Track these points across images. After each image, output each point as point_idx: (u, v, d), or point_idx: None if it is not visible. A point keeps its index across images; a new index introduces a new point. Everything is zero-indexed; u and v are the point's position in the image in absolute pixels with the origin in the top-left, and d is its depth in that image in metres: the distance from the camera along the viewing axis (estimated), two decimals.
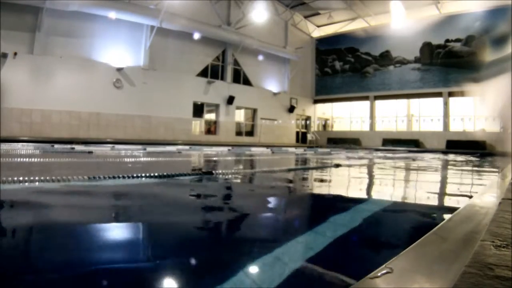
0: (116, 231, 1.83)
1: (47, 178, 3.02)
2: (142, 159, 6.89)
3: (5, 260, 1.33)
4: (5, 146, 8.18)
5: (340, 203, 3.03)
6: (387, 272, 0.92)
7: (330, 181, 4.53)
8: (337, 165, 6.25)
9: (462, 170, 7.03)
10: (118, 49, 15.27)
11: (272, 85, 22.60)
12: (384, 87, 22.45)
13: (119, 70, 15.08)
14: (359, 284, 0.89)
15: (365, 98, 23.30)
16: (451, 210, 1.95)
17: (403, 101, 22.04)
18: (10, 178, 2.84)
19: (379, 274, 0.91)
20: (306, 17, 24.63)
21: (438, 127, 20.33)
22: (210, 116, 19.75)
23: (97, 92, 14.41)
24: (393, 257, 1.04)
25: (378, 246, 1.79)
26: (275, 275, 1.25)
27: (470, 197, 2.78)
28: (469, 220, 1.63)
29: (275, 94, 22.45)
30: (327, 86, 25.37)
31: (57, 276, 1.21)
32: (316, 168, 5.84)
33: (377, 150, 17.22)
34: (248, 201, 2.99)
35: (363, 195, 3.64)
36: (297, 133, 24.57)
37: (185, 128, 17.61)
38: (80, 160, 6.13)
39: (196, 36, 17.36)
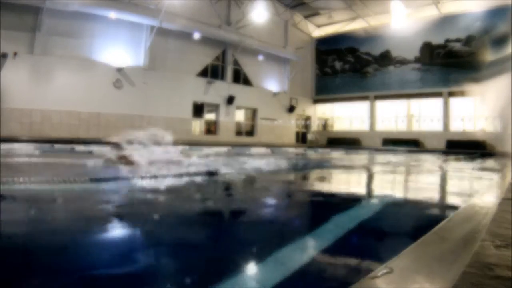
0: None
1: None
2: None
3: None
4: (6, 146, 8.16)
5: (341, 203, 3.03)
6: (387, 272, 0.92)
7: (331, 181, 4.53)
8: (339, 166, 6.25)
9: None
10: (118, 49, 15.26)
11: (272, 85, 22.59)
12: (384, 87, 22.43)
13: (119, 70, 15.07)
14: (359, 284, 0.89)
15: (365, 98, 23.28)
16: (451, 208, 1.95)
17: (403, 101, 22.01)
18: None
19: (379, 274, 0.91)
20: (306, 17, 24.61)
21: (438, 127, 20.31)
22: (210, 116, 19.73)
23: (97, 92, 14.40)
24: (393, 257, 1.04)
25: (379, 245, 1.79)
26: (276, 274, 1.25)
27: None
28: (469, 220, 1.63)
29: (275, 94, 22.43)
30: (327, 86, 25.36)
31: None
32: (316, 168, 5.85)
33: (377, 150, 17.21)
34: (250, 201, 2.98)
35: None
36: (297, 133, 24.54)
37: (185, 128, 17.59)
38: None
39: (196, 36, 17.35)
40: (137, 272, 1.32)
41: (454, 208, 2.21)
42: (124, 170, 3.87)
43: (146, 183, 3.30)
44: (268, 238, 1.83)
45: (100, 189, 2.99)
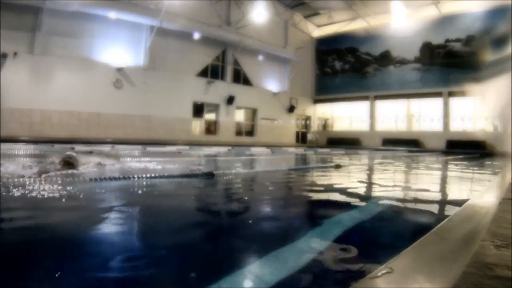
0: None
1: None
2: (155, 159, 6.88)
3: None
4: (6, 146, 8.16)
5: (339, 204, 3.02)
6: (387, 272, 0.92)
7: (330, 181, 4.53)
8: (338, 166, 6.26)
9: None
10: (118, 49, 15.26)
11: (272, 85, 22.59)
12: (384, 87, 22.44)
13: (119, 70, 15.07)
14: (359, 284, 0.89)
15: (365, 98, 23.29)
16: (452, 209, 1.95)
17: (403, 101, 22.02)
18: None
19: (379, 274, 0.91)
20: (306, 17, 24.62)
21: (438, 127, 20.33)
22: (210, 116, 19.74)
23: (97, 92, 14.40)
24: (393, 257, 1.04)
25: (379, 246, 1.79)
26: (275, 274, 1.25)
27: None
28: (469, 220, 1.63)
29: (275, 94, 22.44)
30: (327, 86, 25.37)
31: None
32: (316, 168, 5.84)
33: (377, 150, 17.21)
34: (247, 201, 2.98)
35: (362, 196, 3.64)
36: (297, 133, 24.56)
37: (185, 128, 17.60)
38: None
39: (196, 36, 17.35)
40: None
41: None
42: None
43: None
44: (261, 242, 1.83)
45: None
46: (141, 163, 5.00)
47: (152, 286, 1.23)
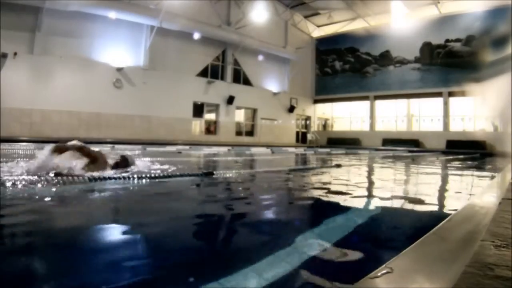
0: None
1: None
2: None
3: None
4: (6, 146, 8.16)
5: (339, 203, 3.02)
6: (387, 272, 0.92)
7: (331, 181, 4.53)
8: (338, 166, 6.26)
9: None
10: (118, 49, 15.27)
11: (272, 85, 22.60)
12: (384, 87, 22.45)
13: (119, 70, 15.08)
14: (359, 284, 0.89)
15: (365, 98, 23.30)
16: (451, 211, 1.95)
17: (403, 101, 22.04)
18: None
19: (379, 274, 0.91)
20: (306, 17, 24.63)
21: (438, 127, 20.34)
22: (210, 116, 19.75)
23: (97, 92, 14.41)
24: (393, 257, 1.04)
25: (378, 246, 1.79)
26: (275, 275, 1.25)
27: None
28: (469, 220, 1.63)
29: (275, 94, 22.45)
30: (327, 86, 25.37)
31: None
32: (317, 168, 5.84)
33: (377, 150, 17.21)
34: (247, 201, 2.98)
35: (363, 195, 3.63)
36: (297, 133, 24.57)
37: (185, 128, 17.61)
38: None
39: (196, 36, 17.36)
40: None
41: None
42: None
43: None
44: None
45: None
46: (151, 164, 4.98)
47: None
